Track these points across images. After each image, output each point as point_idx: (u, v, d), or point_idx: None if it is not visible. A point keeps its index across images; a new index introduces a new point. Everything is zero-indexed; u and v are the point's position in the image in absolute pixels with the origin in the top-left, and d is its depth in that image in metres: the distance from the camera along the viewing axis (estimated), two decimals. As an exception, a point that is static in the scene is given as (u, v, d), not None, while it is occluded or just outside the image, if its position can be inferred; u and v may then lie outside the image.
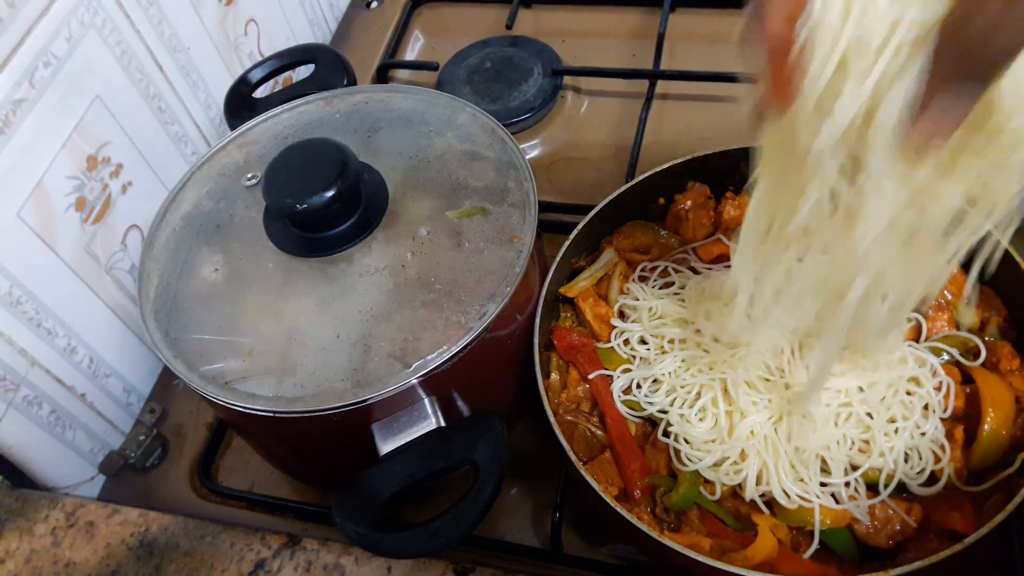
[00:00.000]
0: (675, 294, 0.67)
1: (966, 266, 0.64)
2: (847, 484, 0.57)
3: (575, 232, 0.69)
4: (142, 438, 0.76)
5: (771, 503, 0.58)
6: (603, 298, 0.69)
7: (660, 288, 0.68)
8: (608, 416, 0.63)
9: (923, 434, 0.58)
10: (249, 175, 0.67)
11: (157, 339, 0.60)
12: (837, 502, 0.57)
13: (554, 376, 0.66)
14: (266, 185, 0.60)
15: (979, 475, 0.57)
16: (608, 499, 0.55)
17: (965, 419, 0.59)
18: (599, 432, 0.63)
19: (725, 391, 0.61)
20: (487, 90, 0.94)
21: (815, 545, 0.56)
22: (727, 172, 0.72)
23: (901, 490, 0.57)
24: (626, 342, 0.66)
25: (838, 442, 0.57)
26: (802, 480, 0.57)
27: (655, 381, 0.63)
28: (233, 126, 0.72)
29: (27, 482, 0.69)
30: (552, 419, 0.60)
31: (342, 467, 0.60)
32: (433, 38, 1.04)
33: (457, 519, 0.53)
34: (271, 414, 0.56)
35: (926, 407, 0.59)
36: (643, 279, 0.69)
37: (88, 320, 0.72)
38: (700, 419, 0.60)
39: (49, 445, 0.70)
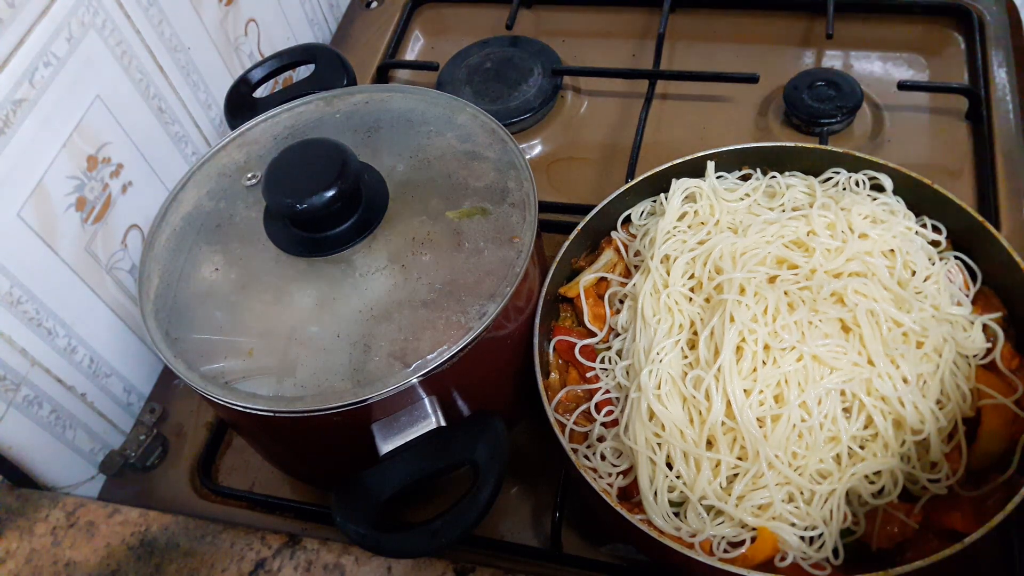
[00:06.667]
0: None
1: (966, 265, 0.65)
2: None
3: (575, 232, 0.69)
4: (142, 438, 0.76)
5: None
6: (603, 298, 0.69)
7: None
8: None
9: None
10: (249, 175, 0.67)
11: (157, 339, 0.60)
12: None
13: (554, 376, 0.66)
14: (266, 185, 0.60)
15: (979, 475, 0.57)
16: (608, 499, 0.56)
17: (965, 419, 0.59)
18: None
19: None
20: (487, 90, 0.94)
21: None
22: (727, 172, 0.72)
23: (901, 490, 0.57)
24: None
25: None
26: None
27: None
28: (233, 126, 0.72)
29: (27, 482, 0.69)
30: (552, 419, 0.60)
31: (342, 467, 0.60)
32: (433, 38, 1.04)
33: (457, 519, 0.53)
34: (271, 414, 0.56)
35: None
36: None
37: (88, 320, 0.72)
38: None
39: (49, 445, 0.70)
